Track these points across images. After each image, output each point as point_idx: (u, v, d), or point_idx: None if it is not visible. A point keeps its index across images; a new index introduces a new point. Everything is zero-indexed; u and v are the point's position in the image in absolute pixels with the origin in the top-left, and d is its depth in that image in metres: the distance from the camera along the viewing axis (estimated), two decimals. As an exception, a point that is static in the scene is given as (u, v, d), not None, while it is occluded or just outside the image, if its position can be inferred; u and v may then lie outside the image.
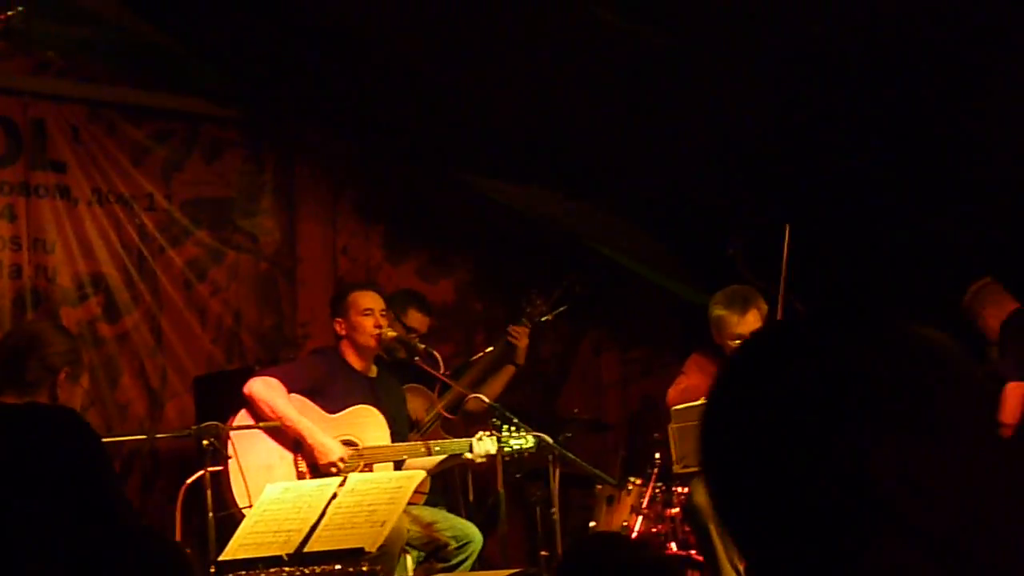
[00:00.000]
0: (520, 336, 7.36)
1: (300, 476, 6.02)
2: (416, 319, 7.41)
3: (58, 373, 4.11)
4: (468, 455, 6.23)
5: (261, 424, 6.00)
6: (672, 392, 6.66)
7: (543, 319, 7.52)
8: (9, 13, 6.48)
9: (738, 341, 6.57)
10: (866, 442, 1.17)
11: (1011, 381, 6.43)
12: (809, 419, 1.21)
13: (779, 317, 6.73)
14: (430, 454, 6.20)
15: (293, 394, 6.15)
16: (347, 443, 6.13)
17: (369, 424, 6.24)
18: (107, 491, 3.84)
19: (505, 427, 5.97)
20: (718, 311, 6.63)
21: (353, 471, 5.84)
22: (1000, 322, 6.98)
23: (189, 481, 5.62)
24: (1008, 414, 6.33)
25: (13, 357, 4.12)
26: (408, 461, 6.20)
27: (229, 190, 8.13)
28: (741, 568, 6.38)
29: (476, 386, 6.89)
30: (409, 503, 6.37)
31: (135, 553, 2.43)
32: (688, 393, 6.52)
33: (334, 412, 6.21)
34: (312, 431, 6.04)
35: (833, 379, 1.22)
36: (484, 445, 6.17)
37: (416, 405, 6.84)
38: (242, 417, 6.06)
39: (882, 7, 6.69)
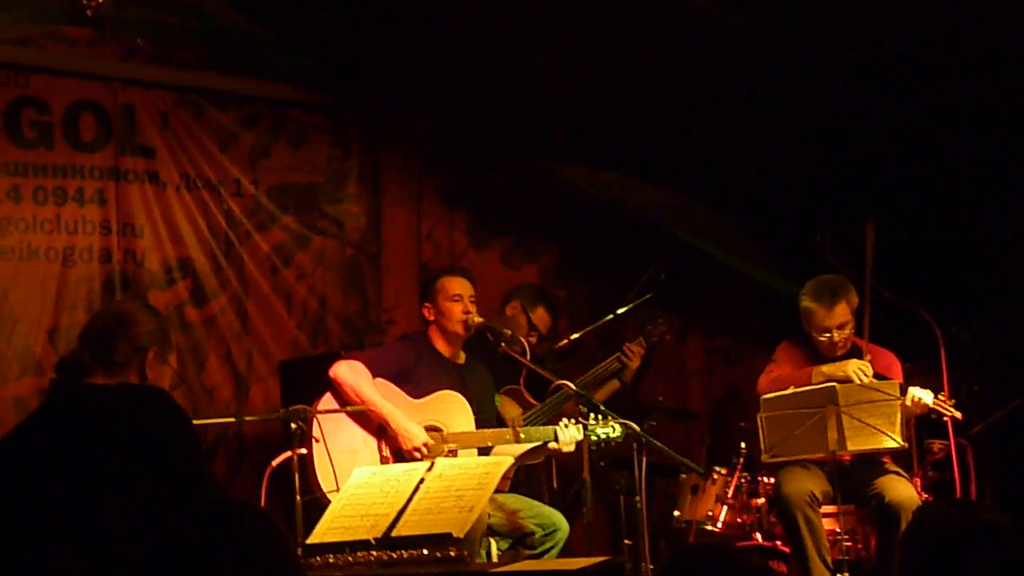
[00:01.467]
0: (634, 356, 7.34)
1: (384, 461, 6.03)
2: (542, 318, 7.45)
3: (147, 352, 4.11)
4: (554, 444, 6.22)
5: (348, 408, 6.01)
6: (763, 380, 6.61)
7: (630, 307, 7.49)
8: (99, 0, 6.53)
9: (825, 335, 6.51)
10: None
11: None
12: None
13: (866, 309, 6.66)
14: (517, 442, 6.18)
15: (378, 379, 6.16)
16: (431, 428, 6.13)
17: (454, 410, 6.23)
18: (195, 468, 3.88)
19: (591, 415, 5.93)
20: (806, 303, 6.57)
21: (437, 456, 5.84)
22: None
23: (275, 463, 5.64)
24: None
25: (102, 337, 4.12)
26: (495, 449, 6.19)
27: (315, 176, 8.16)
28: (829, 559, 6.32)
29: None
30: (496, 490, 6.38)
31: (227, 524, 2.44)
32: (779, 383, 6.46)
33: (420, 397, 6.21)
34: (396, 416, 6.05)
35: None
36: (570, 432, 6.15)
37: (515, 413, 6.79)
38: (327, 401, 6.08)
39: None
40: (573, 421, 6.13)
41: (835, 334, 6.52)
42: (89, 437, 3.85)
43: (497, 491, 6.24)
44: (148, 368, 4.09)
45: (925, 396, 6.32)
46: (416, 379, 6.24)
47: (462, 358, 6.47)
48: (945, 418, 6.48)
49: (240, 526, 2.45)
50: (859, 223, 6.96)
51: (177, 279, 7.59)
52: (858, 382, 6.31)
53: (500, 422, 6.57)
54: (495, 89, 7.99)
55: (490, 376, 6.62)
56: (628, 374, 7.39)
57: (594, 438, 5.89)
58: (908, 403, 6.28)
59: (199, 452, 4.05)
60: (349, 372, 6.09)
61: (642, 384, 8.96)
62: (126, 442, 3.82)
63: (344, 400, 6.06)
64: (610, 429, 5.91)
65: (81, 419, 3.91)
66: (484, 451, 6.19)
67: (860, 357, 6.49)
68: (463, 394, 6.25)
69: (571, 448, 6.15)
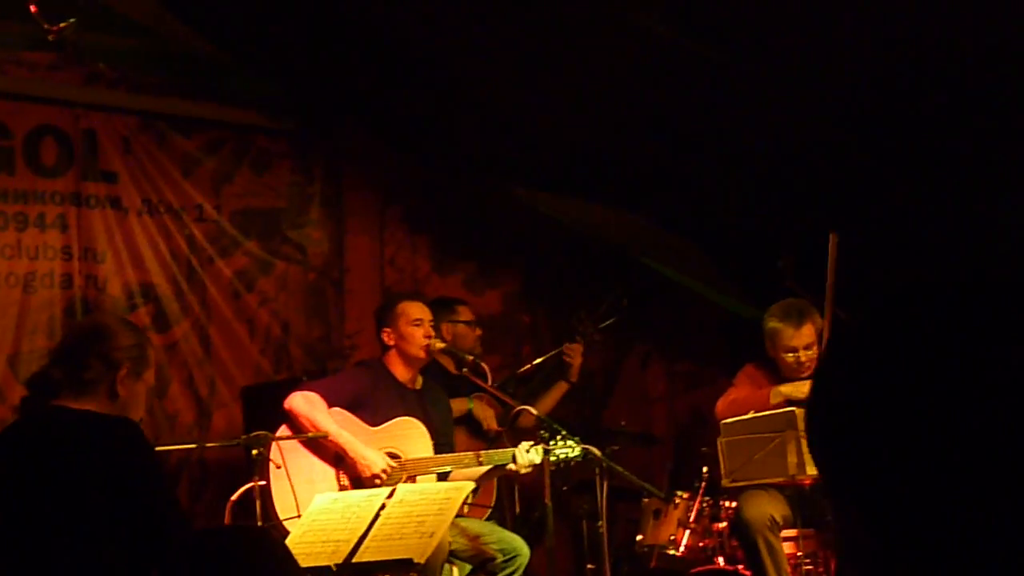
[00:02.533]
0: (574, 354, 7.40)
1: (342, 490, 6.01)
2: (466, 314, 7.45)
3: (119, 369, 3.98)
4: (512, 466, 6.22)
5: (308, 434, 6.00)
6: (721, 404, 6.64)
7: (594, 335, 7.55)
8: (61, 25, 6.52)
9: (792, 354, 6.55)
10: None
11: None
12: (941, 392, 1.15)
13: (826, 328, 6.69)
14: (478, 465, 6.18)
15: (335, 407, 6.14)
16: (389, 455, 6.12)
17: (411, 436, 6.23)
18: (155, 506, 3.83)
19: (553, 440, 5.95)
20: (773, 323, 6.61)
21: (396, 483, 5.84)
22: None
23: (234, 497, 5.65)
24: None
25: (74, 352, 4.01)
26: (454, 472, 6.19)
27: (278, 201, 8.16)
28: (790, 582, 6.34)
29: (528, 401, 6.89)
30: (472, 516, 6.39)
31: (237, 550, 2.43)
32: (737, 405, 6.49)
33: (377, 425, 6.20)
34: (353, 444, 6.03)
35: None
36: (528, 456, 6.15)
37: (488, 414, 6.85)
38: (283, 432, 6.06)
39: (929, 22, 6.64)
40: (532, 444, 6.14)
41: (801, 354, 6.56)
42: (46, 466, 3.81)
43: (469, 516, 6.28)
44: (119, 385, 3.97)
45: None
46: (372, 406, 6.23)
47: (419, 383, 6.47)
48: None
49: (250, 552, 2.45)
50: (822, 247, 6.98)
51: (139, 304, 7.57)
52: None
53: (476, 432, 6.61)
54: (458, 115, 8.01)
55: (448, 401, 6.63)
56: (573, 372, 7.45)
57: (553, 458, 5.91)
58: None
59: (161, 489, 3.96)
60: (304, 403, 6.07)
61: (605, 409, 9.00)
62: (84, 474, 3.78)
63: (300, 431, 6.04)
64: (569, 449, 5.93)
65: (40, 447, 3.87)
66: (443, 476, 6.18)
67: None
68: (421, 420, 6.25)
69: (528, 470, 6.15)
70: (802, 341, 6.56)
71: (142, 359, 4.05)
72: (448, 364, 6.94)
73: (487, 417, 6.83)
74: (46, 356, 7.01)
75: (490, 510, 6.54)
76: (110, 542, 3.70)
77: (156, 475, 3.92)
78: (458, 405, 6.95)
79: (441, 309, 7.14)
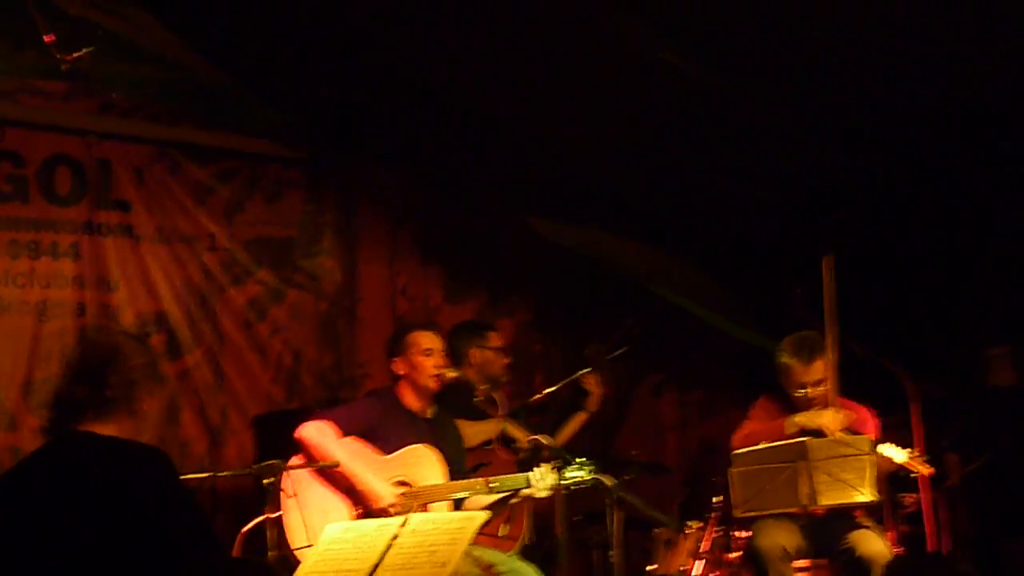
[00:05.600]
0: (593, 384, 7.40)
1: (355, 519, 5.99)
2: (498, 339, 7.45)
3: (137, 387, 4.01)
4: (526, 490, 6.18)
5: (321, 464, 5.99)
6: (736, 437, 6.62)
7: (605, 364, 7.55)
8: (75, 54, 6.54)
9: (801, 391, 6.54)
10: None
11: None
12: None
13: (830, 350, 6.66)
14: (488, 492, 6.16)
15: (347, 436, 6.13)
16: (400, 483, 6.10)
17: (424, 464, 6.20)
18: (184, 536, 3.81)
19: (566, 467, 5.94)
20: (784, 359, 6.61)
21: (408, 512, 5.81)
22: None
23: (246, 529, 5.64)
24: None
25: (94, 372, 4.02)
26: (468, 500, 6.17)
27: (290, 230, 8.18)
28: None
29: (549, 430, 6.89)
30: (503, 548, 6.37)
31: None
32: (752, 438, 6.47)
33: (389, 453, 6.19)
34: (363, 476, 6.01)
35: None
36: (544, 480, 6.11)
37: (522, 433, 6.86)
38: (295, 461, 6.03)
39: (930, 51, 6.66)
40: (549, 467, 6.11)
41: (810, 391, 6.55)
42: (77, 495, 3.79)
43: (491, 546, 6.27)
44: (137, 403, 3.99)
45: (895, 455, 6.34)
46: (384, 435, 6.20)
47: (431, 412, 6.45)
48: (913, 475, 6.51)
49: None
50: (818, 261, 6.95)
51: (151, 333, 7.57)
52: (830, 432, 6.33)
53: (512, 452, 6.63)
54: (470, 144, 8.03)
55: (459, 429, 6.61)
56: (593, 402, 7.44)
57: (565, 481, 5.89)
58: (877, 460, 6.29)
59: (192, 518, 3.95)
60: (315, 433, 6.05)
61: (617, 439, 8.99)
62: (117, 504, 3.77)
63: (312, 461, 6.03)
64: (582, 472, 5.91)
65: (71, 474, 3.86)
66: (459, 504, 6.17)
67: (835, 413, 6.52)
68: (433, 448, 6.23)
69: (545, 494, 6.11)
70: (812, 377, 6.55)
71: (155, 376, 4.09)
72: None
73: (521, 437, 6.83)
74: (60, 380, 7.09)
75: (521, 542, 6.52)
76: (140, 573, 3.70)
77: (189, 506, 3.92)
78: (491, 426, 6.95)
79: (471, 334, 7.14)
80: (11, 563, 3.75)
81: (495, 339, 7.32)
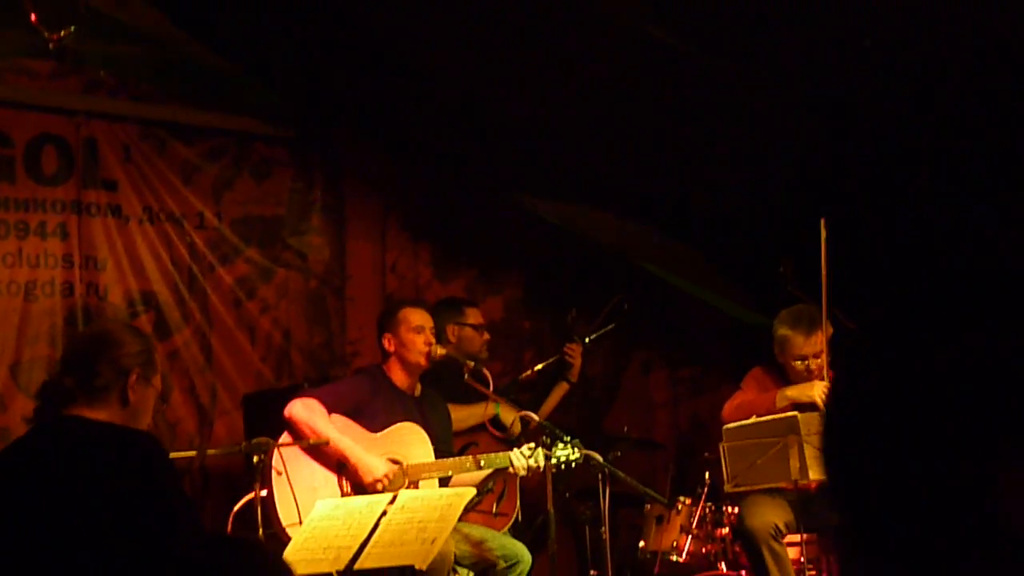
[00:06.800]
0: (575, 354, 7.41)
1: (344, 496, 6.00)
2: (477, 316, 7.44)
3: (129, 375, 4.00)
4: (510, 468, 6.19)
5: (310, 441, 5.99)
6: (728, 407, 6.62)
7: (592, 338, 7.56)
8: (61, 33, 6.52)
9: (801, 362, 6.53)
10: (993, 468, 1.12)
11: None
12: (937, 430, 1.15)
13: (824, 311, 6.65)
14: (477, 469, 6.17)
15: (335, 414, 6.14)
16: (391, 461, 6.11)
17: (412, 442, 6.22)
18: (173, 520, 3.81)
19: (554, 444, 5.95)
20: (784, 331, 6.60)
21: (398, 488, 5.83)
22: None
23: (237, 508, 5.64)
24: None
25: (84, 360, 4.03)
26: (455, 477, 6.18)
27: (279, 208, 8.16)
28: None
29: (533, 406, 6.89)
30: (495, 525, 6.39)
31: (225, 560, 2.42)
32: (743, 409, 6.47)
33: (377, 431, 6.19)
34: (354, 450, 6.03)
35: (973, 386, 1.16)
36: (523, 459, 6.12)
37: (515, 417, 6.87)
38: (284, 439, 6.05)
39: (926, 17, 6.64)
40: (531, 446, 6.12)
41: (811, 362, 6.54)
42: (64, 479, 3.79)
43: (482, 524, 6.28)
44: (131, 391, 3.99)
45: None
46: (372, 413, 6.22)
47: (419, 390, 6.46)
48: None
49: (238, 562, 2.44)
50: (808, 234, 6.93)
51: (140, 312, 7.57)
52: (822, 405, 6.33)
53: (502, 436, 6.63)
54: (458, 121, 8.01)
55: (447, 407, 6.61)
56: (574, 372, 7.46)
57: (554, 461, 5.90)
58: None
59: (180, 503, 3.95)
60: (304, 410, 6.06)
61: (607, 416, 8.99)
62: (104, 488, 3.76)
63: (301, 438, 6.03)
64: (569, 451, 5.92)
65: (59, 458, 3.85)
66: (445, 482, 6.18)
67: (830, 386, 6.53)
68: (421, 426, 6.24)
69: (525, 473, 6.13)
70: (812, 349, 6.54)
71: (150, 364, 4.09)
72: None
73: (515, 421, 6.84)
74: (48, 364, 7.08)
75: (513, 519, 6.53)
76: (127, 556, 3.69)
77: (176, 491, 3.92)
78: (483, 409, 6.96)
79: (448, 310, 7.12)
80: None
81: (473, 316, 7.30)
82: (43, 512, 3.73)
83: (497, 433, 6.98)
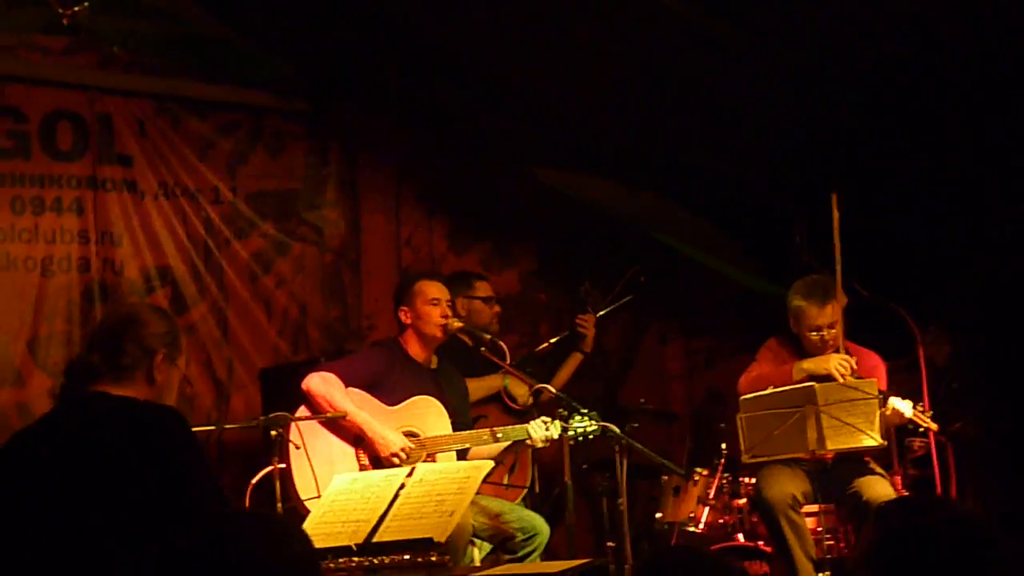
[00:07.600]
0: (588, 325, 7.42)
1: (362, 469, 6.01)
2: (487, 288, 7.44)
3: (155, 355, 4.01)
4: (528, 441, 6.19)
5: (327, 415, 6.00)
6: (744, 380, 6.61)
7: (605, 311, 7.57)
8: (75, 8, 6.52)
9: (816, 333, 6.52)
10: None
11: None
12: None
13: (838, 279, 6.62)
14: (494, 441, 6.18)
15: (352, 388, 6.14)
16: (408, 434, 6.12)
17: (430, 414, 6.22)
18: (197, 495, 3.82)
19: (571, 416, 5.95)
20: (798, 301, 6.58)
21: (416, 462, 5.83)
22: None
23: (255, 480, 5.65)
24: None
25: (111, 339, 4.05)
26: (473, 450, 6.18)
27: (294, 182, 8.16)
28: (815, 556, 6.33)
29: (547, 378, 6.89)
30: (508, 496, 6.40)
31: (241, 535, 2.43)
32: (759, 381, 6.46)
33: (394, 404, 6.20)
34: (371, 423, 6.03)
35: None
36: (542, 431, 6.11)
37: (523, 391, 6.89)
38: (302, 413, 6.05)
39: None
40: (551, 419, 6.12)
41: (826, 332, 6.53)
42: (89, 452, 3.80)
43: (495, 495, 6.29)
44: (156, 371, 4.00)
45: (904, 408, 6.32)
46: (389, 386, 6.21)
47: (435, 363, 6.46)
48: (921, 429, 6.51)
49: (253, 536, 2.45)
50: (820, 205, 6.91)
51: (156, 287, 7.58)
52: (839, 377, 6.32)
53: (510, 409, 6.63)
54: (473, 95, 8.00)
55: (463, 381, 6.62)
56: (588, 343, 7.47)
57: (571, 433, 5.90)
58: (887, 412, 6.29)
59: (204, 476, 3.96)
60: (321, 383, 6.06)
61: (623, 387, 8.99)
62: (129, 462, 3.78)
63: (318, 411, 6.03)
64: (587, 423, 5.91)
65: (85, 432, 3.87)
66: (462, 455, 6.18)
67: (846, 357, 6.51)
68: (438, 399, 6.24)
69: (544, 445, 6.13)
70: (826, 320, 6.52)
71: (175, 346, 4.11)
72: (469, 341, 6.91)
73: (522, 394, 6.85)
74: (65, 340, 7.11)
75: (526, 491, 6.54)
76: (153, 530, 3.70)
77: (201, 465, 3.94)
78: (493, 382, 6.97)
79: (458, 284, 7.11)
80: (22, 522, 3.77)
81: (483, 288, 7.30)
82: (70, 485, 3.74)
83: (513, 405, 6.99)
